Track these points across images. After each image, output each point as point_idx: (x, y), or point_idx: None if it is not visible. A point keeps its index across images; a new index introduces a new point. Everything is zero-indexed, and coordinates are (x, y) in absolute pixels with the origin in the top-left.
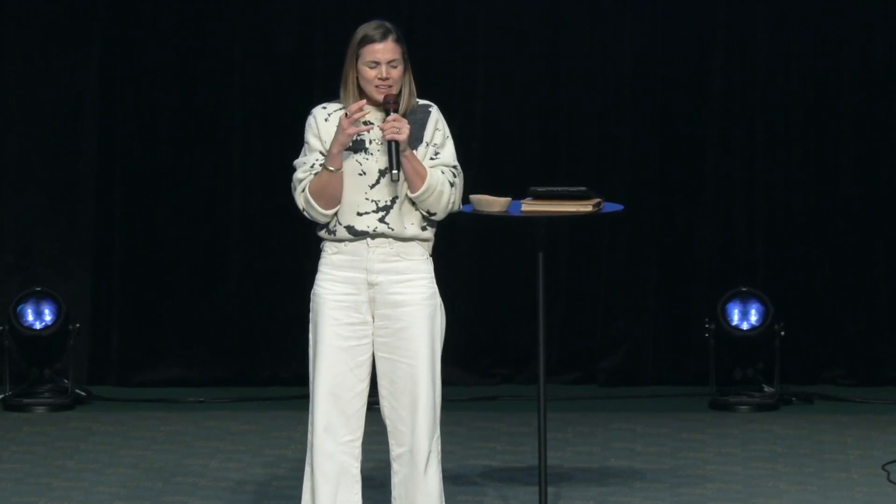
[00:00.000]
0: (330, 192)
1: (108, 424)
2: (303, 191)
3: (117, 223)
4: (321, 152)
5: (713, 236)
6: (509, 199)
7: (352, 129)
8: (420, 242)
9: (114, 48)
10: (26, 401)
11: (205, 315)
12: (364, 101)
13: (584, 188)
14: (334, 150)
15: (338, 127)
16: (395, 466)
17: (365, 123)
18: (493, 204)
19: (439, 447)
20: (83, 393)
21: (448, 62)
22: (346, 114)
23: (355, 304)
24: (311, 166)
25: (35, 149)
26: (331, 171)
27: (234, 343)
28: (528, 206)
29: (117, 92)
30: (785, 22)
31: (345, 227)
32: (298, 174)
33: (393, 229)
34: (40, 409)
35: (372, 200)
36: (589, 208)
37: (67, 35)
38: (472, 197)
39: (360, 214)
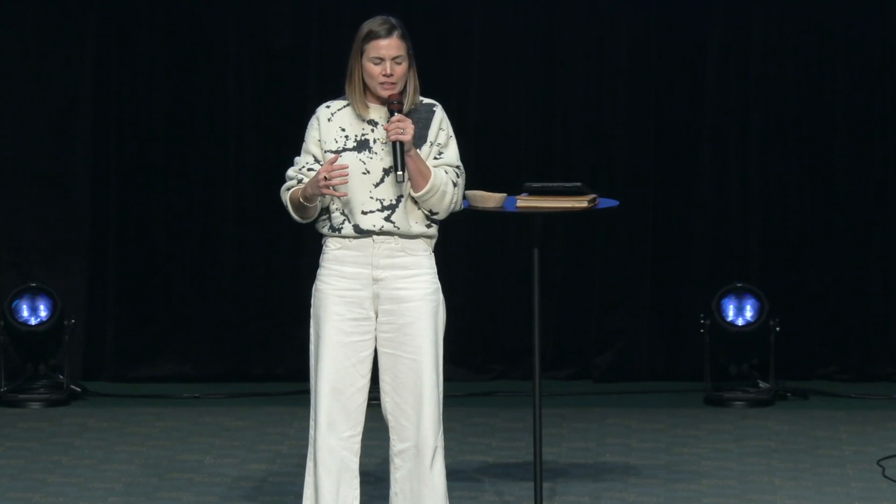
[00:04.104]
0: (303, 213)
1: (103, 420)
2: (287, 190)
3: (112, 219)
4: (315, 157)
5: (708, 232)
6: (504, 194)
7: (327, 192)
8: (425, 239)
9: (109, 44)
10: (21, 396)
11: (200, 311)
12: (346, 166)
13: (579, 184)
14: (307, 194)
15: (314, 178)
16: (396, 462)
17: (369, 122)
18: (488, 199)
19: (443, 442)
20: (78, 389)
21: (443, 57)
22: (326, 176)
23: (359, 300)
24: (301, 168)
25: (30, 144)
26: (306, 205)
27: (229, 339)
28: (524, 201)
29: (112, 88)
30: (780, 18)
31: (352, 225)
32: (290, 172)
33: (399, 228)
34: (35, 405)
35: (376, 199)
36: (584, 204)
37: (63, 31)
38: (468, 193)
39: (364, 213)
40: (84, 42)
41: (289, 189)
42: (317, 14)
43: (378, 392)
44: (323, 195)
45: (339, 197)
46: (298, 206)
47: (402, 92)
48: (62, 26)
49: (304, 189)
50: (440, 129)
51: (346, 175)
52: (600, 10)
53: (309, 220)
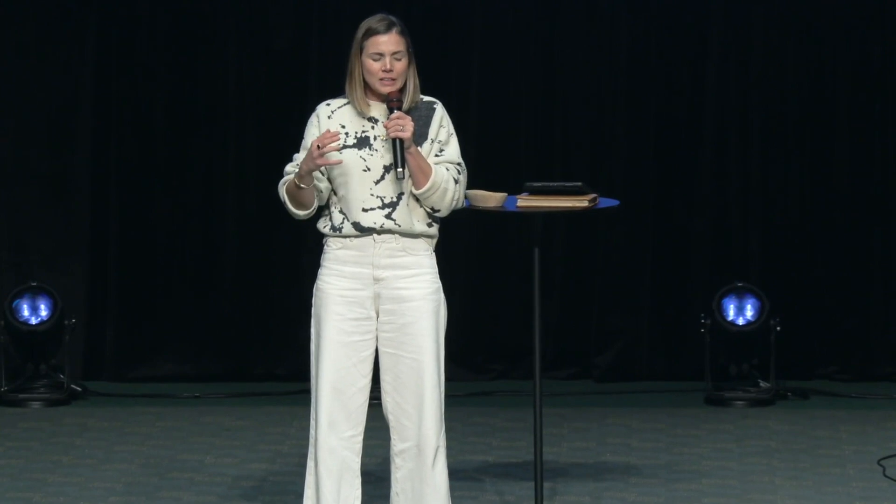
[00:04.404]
0: (300, 200)
1: (103, 420)
2: (283, 184)
3: (112, 219)
4: None
5: (708, 232)
6: (505, 194)
7: (321, 161)
8: (426, 238)
9: (109, 44)
10: (22, 396)
11: (200, 311)
12: (336, 133)
13: (579, 183)
14: (303, 172)
15: (308, 152)
16: (397, 461)
17: (369, 119)
18: (489, 199)
19: (445, 442)
20: (78, 388)
21: (443, 57)
22: (318, 145)
23: (360, 300)
24: (298, 164)
25: (30, 144)
26: (301, 187)
27: (229, 339)
28: (524, 201)
29: (112, 88)
30: (781, 18)
31: (352, 223)
32: (287, 167)
33: (400, 226)
34: (36, 405)
35: (377, 196)
36: (585, 203)
37: (63, 31)
38: (468, 192)
39: (365, 210)
40: (84, 42)
41: (285, 183)
42: (317, 14)
43: (379, 392)
44: (318, 167)
45: (335, 164)
46: (294, 194)
47: (402, 89)
48: (62, 26)
49: (300, 169)
50: (441, 126)
51: (338, 140)
52: (600, 10)
53: (305, 214)
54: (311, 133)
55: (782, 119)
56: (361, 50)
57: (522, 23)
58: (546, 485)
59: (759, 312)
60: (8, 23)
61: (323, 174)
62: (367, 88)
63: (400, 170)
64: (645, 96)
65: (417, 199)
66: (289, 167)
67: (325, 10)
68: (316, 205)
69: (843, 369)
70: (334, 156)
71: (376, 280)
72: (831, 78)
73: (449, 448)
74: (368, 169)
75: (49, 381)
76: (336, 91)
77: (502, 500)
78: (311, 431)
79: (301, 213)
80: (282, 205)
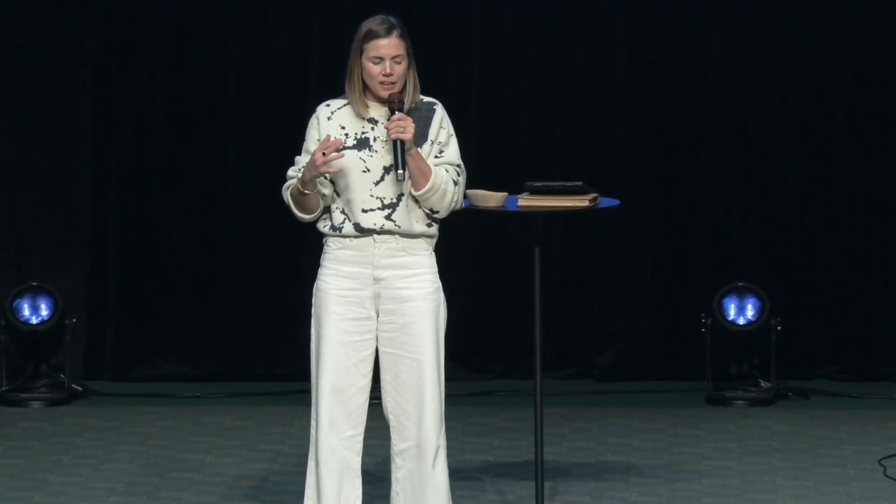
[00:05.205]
0: (305, 206)
1: (103, 420)
2: (287, 189)
3: (112, 219)
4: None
5: (708, 232)
6: (506, 193)
7: (323, 168)
8: (426, 238)
9: (109, 44)
10: (22, 396)
11: (200, 311)
12: (340, 141)
13: (580, 183)
14: (306, 179)
15: (311, 159)
16: (397, 461)
17: (369, 121)
18: (489, 199)
19: (445, 441)
20: (79, 388)
21: (444, 56)
22: (323, 152)
23: (359, 299)
24: (301, 168)
25: (30, 144)
26: (305, 193)
27: (229, 339)
28: (525, 200)
29: (112, 88)
30: (781, 18)
31: (352, 224)
32: (290, 171)
33: (400, 227)
34: (36, 404)
35: (377, 197)
36: (585, 203)
37: (63, 31)
38: (469, 192)
39: (364, 211)
40: (84, 42)
41: (289, 188)
42: (317, 14)
43: (379, 391)
44: (321, 174)
45: (335, 172)
46: (298, 200)
47: (403, 91)
48: (62, 26)
49: (302, 175)
50: (441, 127)
51: (340, 144)
52: (600, 10)
53: (311, 217)
54: (311, 135)
55: (782, 119)
56: (361, 52)
57: (522, 23)
58: (547, 484)
59: (760, 312)
60: (8, 23)
61: (326, 178)
62: (367, 89)
63: (400, 171)
64: (645, 96)
65: (416, 200)
66: (291, 171)
67: (325, 10)
68: (322, 207)
69: (843, 369)
70: (337, 161)
71: (376, 280)
72: (831, 78)
73: (449, 448)
74: (368, 170)
75: (49, 381)
76: (336, 91)
77: (502, 500)
78: (312, 431)
79: (307, 217)
80: (286, 208)
